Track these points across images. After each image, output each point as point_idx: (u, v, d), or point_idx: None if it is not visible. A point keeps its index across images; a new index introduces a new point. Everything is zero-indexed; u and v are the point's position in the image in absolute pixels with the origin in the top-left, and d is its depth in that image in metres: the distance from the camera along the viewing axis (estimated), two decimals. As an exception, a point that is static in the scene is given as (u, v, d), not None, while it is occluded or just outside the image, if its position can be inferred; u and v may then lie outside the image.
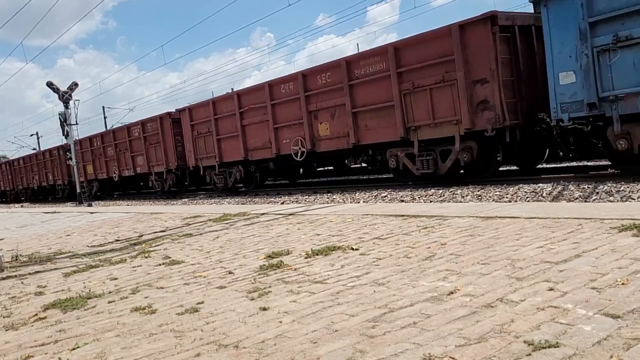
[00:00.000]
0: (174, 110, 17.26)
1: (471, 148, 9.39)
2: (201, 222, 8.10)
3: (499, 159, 9.59)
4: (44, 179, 26.51)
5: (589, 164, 11.12)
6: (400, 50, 10.08)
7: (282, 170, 14.28)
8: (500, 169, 10.82)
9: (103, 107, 47.26)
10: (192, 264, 4.72)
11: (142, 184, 20.11)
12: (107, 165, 20.97)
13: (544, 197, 7.51)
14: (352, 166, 11.12)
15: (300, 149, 12.27)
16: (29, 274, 5.28)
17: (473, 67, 9.00)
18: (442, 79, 9.44)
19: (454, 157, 9.58)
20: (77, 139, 21.27)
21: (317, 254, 4.33)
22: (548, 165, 11.36)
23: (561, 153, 9.65)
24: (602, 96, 7.49)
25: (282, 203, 11.24)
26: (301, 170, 15.55)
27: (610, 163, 8.84)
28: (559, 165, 11.59)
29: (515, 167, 11.10)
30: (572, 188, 7.54)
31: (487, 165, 10.02)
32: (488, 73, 8.80)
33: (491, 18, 8.67)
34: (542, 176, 9.64)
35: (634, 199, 6.50)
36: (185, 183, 17.50)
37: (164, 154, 17.21)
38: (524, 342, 2.05)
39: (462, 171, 10.36)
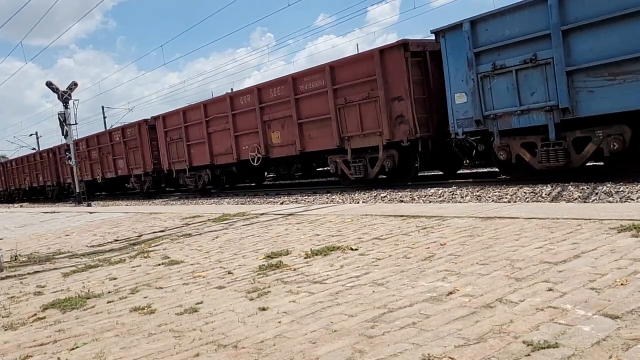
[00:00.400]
0: (149, 118, 18.57)
1: (393, 156, 10.80)
2: (200, 222, 8.10)
3: (417, 165, 10.92)
4: (35, 180, 27.85)
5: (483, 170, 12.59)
6: (335, 69, 11.41)
7: (247, 174, 15.82)
8: (427, 173, 12.44)
9: (102, 107, 47.28)
10: (191, 264, 4.72)
11: (126, 184, 21.24)
12: (91, 167, 21.97)
13: (543, 197, 7.51)
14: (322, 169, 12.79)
15: (256, 155, 13.62)
16: (28, 273, 5.27)
17: (391, 86, 10.38)
18: (367, 95, 10.82)
19: (380, 164, 10.99)
20: (76, 138, 21.27)
21: (316, 254, 4.33)
22: (468, 171, 12.64)
23: (467, 161, 11.29)
24: (486, 114, 9.01)
25: (282, 203, 11.24)
26: (266, 173, 17.08)
27: (498, 170, 10.41)
28: (471, 171, 12.76)
29: (440, 172, 12.38)
30: (572, 189, 7.55)
31: (407, 171, 11.23)
32: (403, 92, 10.19)
33: (404, 45, 10.10)
34: (450, 180, 11.03)
35: (633, 200, 6.51)
36: (162, 185, 18.94)
37: (141, 157, 18.47)
38: (523, 342, 2.05)
39: (385, 176, 11.63)
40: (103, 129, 34.69)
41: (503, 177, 10.04)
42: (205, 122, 15.23)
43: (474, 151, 9.78)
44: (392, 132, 10.46)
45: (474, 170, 11.87)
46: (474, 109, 9.05)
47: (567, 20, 7.77)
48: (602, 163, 9.61)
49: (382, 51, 10.45)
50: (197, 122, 15.64)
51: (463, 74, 9.18)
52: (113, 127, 24.27)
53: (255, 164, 13.78)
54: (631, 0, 7.04)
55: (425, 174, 12.43)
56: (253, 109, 13.45)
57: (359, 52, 10.69)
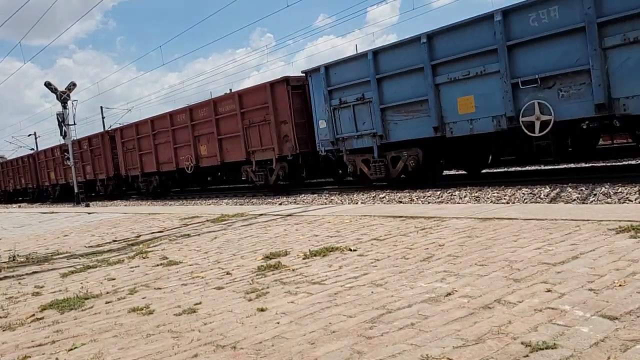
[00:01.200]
0: (110, 129, 22.00)
1: (284, 167, 13.32)
2: (199, 222, 8.09)
3: (303, 175, 13.69)
4: (18, 183, 30.23)
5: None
6: (242, 96, 14.17)
7: (189, 180, 18.56)
8: (317, 180, 15.42)
9: (101, 108, 47.22)
10: (190, 265, 4.72)
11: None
12: (64, 172, 23.87)
13: (541, 198, 7.52)
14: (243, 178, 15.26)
15: (190, 164, 16.25)
16: (27, 274, 5.27)
17: (279, 112, 12.99)
18: (264, 119, 13.42)
19: (276, 173, 13.53)
20: (75, 139, 21.28)
21: (315, 255, 4.33)
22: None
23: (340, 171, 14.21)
24: (337, 137, 11.77)
25: (280, 204, 11.24)
26: (209, 178, 19.70)
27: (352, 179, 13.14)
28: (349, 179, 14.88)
29: (331, 179, 15.16)
30: (570, 190, 7.56)
31: (297, 178, 14.09)
32: (287, 117, 12.82)
33: (286, 80, 12.81)
34: (337, 186, 13.81)
35: (632, 201, 6.52)
36: (123, 188, 21.63)
37: (104, 164, 21.12)
38: (522, 343, 2.05)
39: (281, 182, 14.17)
40: (102, 129, 34.93)
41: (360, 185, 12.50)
42: (152, 135, 17.94)
43: (348, 166, 12.42)
44: (280, 148, 13.14)
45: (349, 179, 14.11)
46: (330, 132, 11.91)
47: (380, 71, 10.62)
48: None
49: (272, 85, 13.09)
50: (146, 135, 18.35)
51: (322, 105, 11.90)
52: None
53: (189, 172, 16.46)
54: (415, 60, 9.85)
55: (320, 180, 15.49)
56: (186, 125, 16.12)
57: (257, 84, 13.99)
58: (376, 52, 10.61)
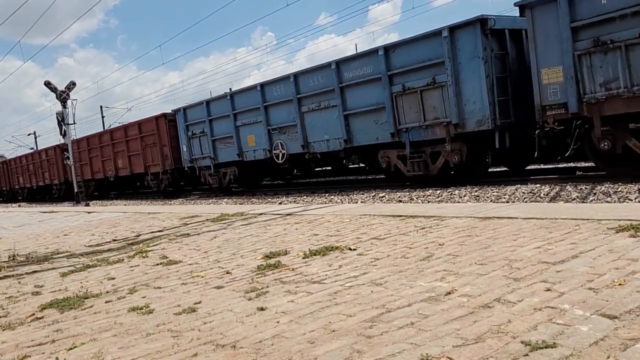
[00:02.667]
0: (61, 143, 24.62)
1: (168, 177, 17.94)
2: (199, 222, 8.09)
3: (182, 183, 18.78)
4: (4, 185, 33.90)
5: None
6: (141, 125, 18.76)
7: (114, 185, 22.92)
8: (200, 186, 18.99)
9: (101, 107, 47.16)
10: (189, 264, 4.72)
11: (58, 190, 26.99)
12: (29, 177, 28.73)
13: (541, 197, 7.52)
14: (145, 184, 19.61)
15: (112, 173, 20.52)
16: (26, 273, 5.27)
17: (161, 138, 17.73)
18: (153, 142, 18.01)
19: (166, 181, 18.10)
20: (74, 138, 21.33)
21: (314, 254, 4.33)
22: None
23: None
24: (192, 157, 16.66)
25: (280, 203, 11.24)
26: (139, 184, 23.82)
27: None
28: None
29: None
30: (570, 189, 7.56)
31: (177, 186, 18.82)
32: (166, 142, 17.56)
33: (165, 115, 17.56)
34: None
35: (631, 200, 6.52)
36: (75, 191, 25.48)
37: (57, 172, 25.22)
38: (521, 342, 2.05)
39: (169, 188, 18.52)
40: (102, 129, 35.34)
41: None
42: (88, 150, 22.35)
43: (202, 178, 16.93)
44: (163, 164, 17.85)
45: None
46: (188, 154, 16.71)
47: (211, 114, 15.57)
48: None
49: (157, 118, 17.82)
50: (84, 150, 22.49)
51: (184, 135, 16.71)
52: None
53: (111, 180, 21.00)
54: (225, 109, 14.99)
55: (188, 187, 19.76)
56: (109, 144, 20.62)
57: (150, 115, 18.62)
58: (208, 102, 15.65)
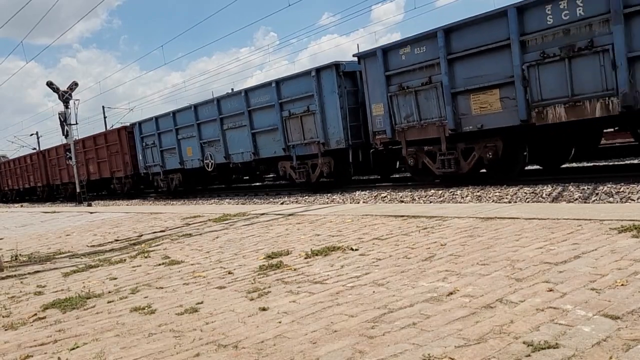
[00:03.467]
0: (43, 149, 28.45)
1: (130, 181, 20.38)
2: (201, 222, 8.10)
3: (142, 187, 21.14)
4: None
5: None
6: (107, 135, 21.60)
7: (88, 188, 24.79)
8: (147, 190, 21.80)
9: (103, 107, 47.19)
10: (191, 264, 4.72)
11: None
12: (17, 180, 31.33)
13: (543, 198, 7.51)
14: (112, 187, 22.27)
15: (85, 177, 22.43)
16: (29, 273, 5.28)
17: (123, 148, 20.14)
18: (117, 150, 20.48)
19: (126, 185, 20.71)
20: (76, 138, 21.43)
21: (316, 254, 4.33)
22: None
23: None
24: (146, 165, 19.05)
25: (282, 203, 11.25)
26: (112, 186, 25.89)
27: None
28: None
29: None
30: (572, 189, 7.55)
31: (138, 189, 21.20)
32: (127, 151, 19.85)
33: (125, 128, 20.23)
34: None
35: (634, 200, 6.51)
36: (54, 193, 27.50)
37: (40, 175, 27.64)
38: (524, 342, 2.05)
39: (132, 191, 21.07)
40: (104, 129, 35.59)
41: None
42: (84, 152, 24.07)
43: (154, 182, 19.43)
44: (125, 170, 20.17)
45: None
46: (143, 162, 19.21)
47: (159, 128, 18.09)
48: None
49: (119, 130, 20.61)
50: (61, 156, 24.76)
51: (140, 144, 19.07)
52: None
53: (84, 183, 22.41)
54: (189, 119, 16.74)
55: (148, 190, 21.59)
56: (81, 151, 22.71)
57: (113, 128, 22.46)
58: (157, 118, 17.95)
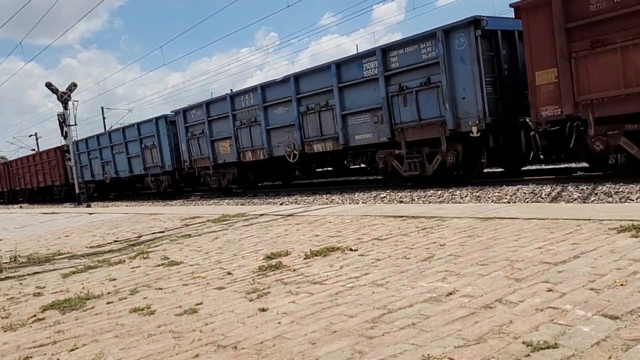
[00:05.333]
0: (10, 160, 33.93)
1: (66, 187, 24.12)
2: (200, 222, 8.10)
3: (73, 193, 22.29)
4: None
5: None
6: (48, 152, 25.79)
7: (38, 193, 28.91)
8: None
9: (102, 108, 47.20)
10: (191, 265, 4.72)
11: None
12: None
13: (543, 198, 7.52)
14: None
15: (36, 184, 26.95)
16: (28, 274, 5.27)
17: (59, 162, 24.71)
18: (55, 164, 25.11)
19: (61, 192, 25.17)
20: (75, 139, 21.41)
21: (316, 255, 4.33)
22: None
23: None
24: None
25: (281, 204, 11.24)
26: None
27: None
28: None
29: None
30: (571, 189, 7.55)
31: (70, 195, 23.35)
32: (62, 165, 24.65)
33: (60, 148, 23.75)
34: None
35: (633, 200, 6.51)
36: (18, 198, 31.33)
37: (6, 182, 31.57)
38: (523, 342, 2.05)
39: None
40: (103, 130, 35.70)
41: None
42: (23, 167, 29.18)
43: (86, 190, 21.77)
44: (60, 180, 24.47)
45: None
46: (81, 174, 22.19)
47: (89, 147, 22.51)
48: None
49: (55, 149, 25.17)
50: (21, 166, 29.32)
51: (77, 158, 21.84)
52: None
53: (35, 190, 27.02)
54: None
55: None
56: (32, 164, 27.47)
57: (51, 148, 26.30)
58: (87, 139, 22.40)
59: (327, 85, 11.58)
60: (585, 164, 9.52)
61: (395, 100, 10.32)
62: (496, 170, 11.66)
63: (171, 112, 17.15)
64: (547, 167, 11.94)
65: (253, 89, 13.62)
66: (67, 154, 21.40)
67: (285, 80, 12.67)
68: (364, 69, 10.82)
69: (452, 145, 9.74)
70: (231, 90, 15.67)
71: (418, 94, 9.92)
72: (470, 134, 9.19)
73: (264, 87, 13.26)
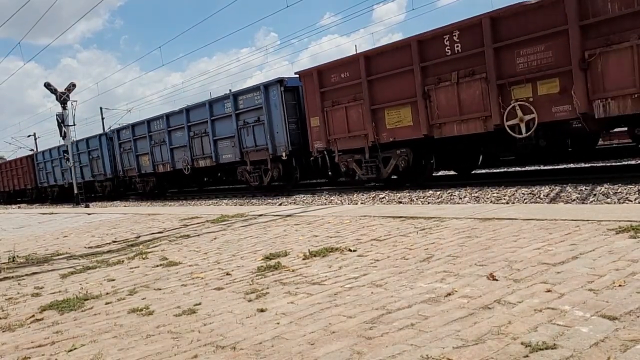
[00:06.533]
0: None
1: (37, 190, 28.35)
2: (199, 223, 8.09)
3: (43, 195, 27.33)
4: None
5: None
6: (21, 160, 30.35)
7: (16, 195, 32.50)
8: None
9: (101, 108, 47.14)
10: (189, 265, 4.71)
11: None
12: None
13: (541, 198, 7.52)
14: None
15: (12, 187, 30.01)
16: (26, 275, 5.26)
17: (29, 170, 29.05)
18: (28, 170, 28.77)
19: (34, 192, 28.98)
20: (74, 139, 21.42)
21: (314, 256, 4.33)
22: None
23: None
24: (41, 182, 28.18)
25: (280, 204, 11.24)
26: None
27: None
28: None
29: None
30: (570, 190, 7.56)
31: (41, 198, 27.87)
32: (33, 171, 28.82)
33: (30, 156, 29.62)
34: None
35: (631, 201, 6.52)
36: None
37: (11, 181, 33.24)
38: (521, 343, 2.05)
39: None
40: (102, 130, 35.89)
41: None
42: (11, 170, 32.00)
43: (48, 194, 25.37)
44: (31, 184, 27.86)
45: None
46: (45, 179, 26.72)
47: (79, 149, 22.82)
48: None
49: (26, 157, 29.31)
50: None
51: (43, 166, 26.55)
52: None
53: (11, 192, 30.20)
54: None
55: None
56: (9, 169, 31.23)
57: (24, 156, 29.88)
58: (43, 151, 25.87)
59: (205, 118, 15.54)
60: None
61: (242, 131, 14.31)
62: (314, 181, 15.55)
63: (109, 130, 21.83)
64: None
65: (161, 117, 17.58)
66: (65, 154, 21.40)
67: (181, 111, 16.71)
68: (225, 107, 14.80)
69: (275, 164, 13.57)
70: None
71: (254, 128, 13.85)
72: (282, 157, 13.18)
73: (168, 115, 17.26)
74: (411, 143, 10.32)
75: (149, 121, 18.22)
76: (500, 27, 8.44)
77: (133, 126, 19.30)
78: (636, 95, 7.11)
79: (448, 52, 9.17)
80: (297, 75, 12.40)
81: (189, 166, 16.49)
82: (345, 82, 11.06)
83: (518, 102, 8.35)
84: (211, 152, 15.41)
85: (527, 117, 8.30)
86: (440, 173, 13.82)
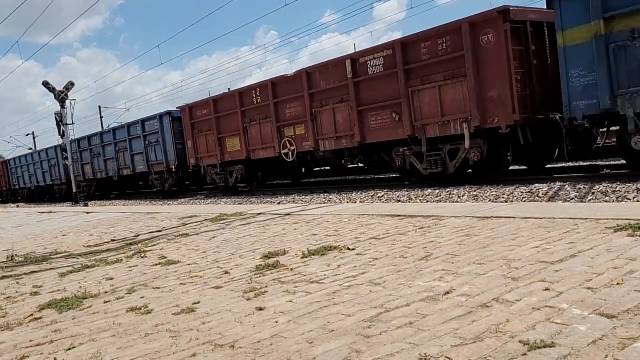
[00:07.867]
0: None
1: (9, 192, 33.31)
2: (198, 222, 8.09)
3: (20, 198, 32.05)
4: None
5: None
6: None
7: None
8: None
9: (99, 107, 47.04)
10: (188, 264, 4.72)
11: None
12: None
13: (540, 197, 7.53)
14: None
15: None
16: (25, 274, 5.26)
17: (5, 174, 33.75)
18: (4, 174, 33.98)
19: (9, 193, 33.91)
20: (73, 138, 21.43)
21: (313, 254, 4.33)
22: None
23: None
24: (13, 186, 33.11)
25: (279, 203, 11.24)
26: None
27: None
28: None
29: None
30: (569, 188, 7.57)
31: (17, 199, 32.13)
32: (7, 175, 33.90)
33: (4, 162, 34.86)
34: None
35: (630, 199, 6.53)
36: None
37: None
38: (520, 342, 2.05)
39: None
40: (100, 129, 35.90)
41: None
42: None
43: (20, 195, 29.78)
44: (7, 187, 32.23)
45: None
46: (22, 181, 30.76)
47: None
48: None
49: (2, 163, 34.07)
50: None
51: (19, 171, 30.86)
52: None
53: (5, 191, 32.18)
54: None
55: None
56: None
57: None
58: (27, 155, 28.87)
59: (125, 137, 20.05)
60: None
61: (148, 149, 18.84)
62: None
63: (62, 143, 22.63)
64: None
65: (97, 134, 22.59)
66: (64, 153, 21.39)
67: (109, 131, 21.72)
68: (137, 130, 19.33)
69: (170, 175, 18.16)
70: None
71: (155, 147, 18.51)
72: (173, 170, 17.88)
73: (102, 133, 22.20)
74: (242, 162, 15.34)
75: (89, 137, 23.02)
76: (277, 88, 13.36)
77: (79, 140, 23.55)
78: (335, 139, 12.14)
79: (254, 102, 14.17)
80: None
81: (116, 174, 21.16)
82: (205, 117, 15.94)
83: (287, 138, 13.28)
84: (130, 164, 20.08)
85: (292, 148, 13.21)
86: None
